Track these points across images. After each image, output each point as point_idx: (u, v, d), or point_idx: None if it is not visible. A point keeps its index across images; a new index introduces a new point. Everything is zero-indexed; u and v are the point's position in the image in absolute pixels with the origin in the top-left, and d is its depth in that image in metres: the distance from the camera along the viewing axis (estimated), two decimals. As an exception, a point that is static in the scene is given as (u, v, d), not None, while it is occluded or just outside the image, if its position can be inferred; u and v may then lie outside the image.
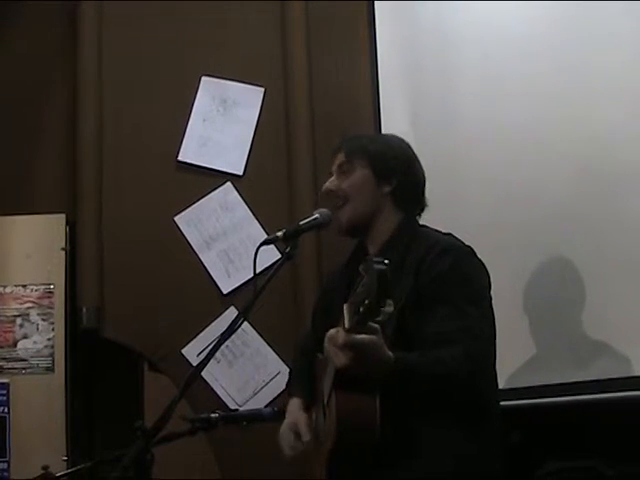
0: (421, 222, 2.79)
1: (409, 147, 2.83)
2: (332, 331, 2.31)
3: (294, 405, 2.83)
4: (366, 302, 2.11)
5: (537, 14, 3.52)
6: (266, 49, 4.41)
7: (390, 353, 2.31)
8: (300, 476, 3.77)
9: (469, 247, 2.64)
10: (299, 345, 3.14)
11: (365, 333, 2.24)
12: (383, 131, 4.18)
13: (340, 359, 2.27)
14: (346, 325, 2.23)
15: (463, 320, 2.46)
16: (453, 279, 2.52)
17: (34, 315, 4.05)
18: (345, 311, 2.25)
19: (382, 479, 2.42)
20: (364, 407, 2.32)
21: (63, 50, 4.40)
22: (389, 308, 2.11)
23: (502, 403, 2.65)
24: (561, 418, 3.31)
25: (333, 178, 2.77)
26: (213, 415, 2.60)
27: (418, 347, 2.44)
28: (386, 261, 2.10)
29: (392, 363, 2.31)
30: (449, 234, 2.67)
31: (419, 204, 2.79)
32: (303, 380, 2.88)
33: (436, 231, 2.72)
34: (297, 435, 2.72)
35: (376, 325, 2.24)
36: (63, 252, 4.12)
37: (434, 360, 2.40)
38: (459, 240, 2.65)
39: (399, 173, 2.73)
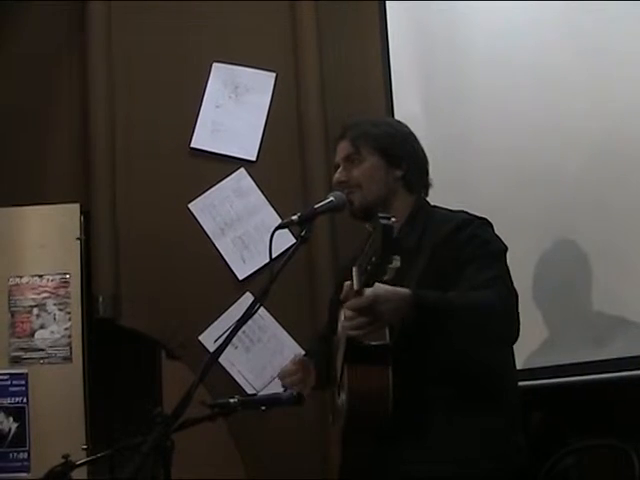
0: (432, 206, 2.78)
1: (407, 127, 2.82)
2: (343, 295, 2.28)
3: None
4: (373, 260, 2.09)
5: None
6: (277, 34, 4.40)
7: (406, 290, 2.29)
8: (320, 458, 3.78)
9: (484, 219, 2.62)
10: (318, 334, 3.13)
11: None
12: (395, 115, 4.17)
13: (356, 324, 2.24)
14: (355, 287, 2.21)
15: (491, 271, 2.45)
16: (474, 244, 2.51)
17: (51, 305, 4.06)
18: (354, 273, 2.23)
19: (394, 458, 2.41)
20: (375, 379, 2.29)
21: (73, 39, 4.41)
22: (396, 263, 2.08)
23: (520, 383, 2.65)
24: (580, 397, 3.31)
25: (341, 169, 2.74)
26: (232, 400, 2.60)
27: None
28: (393, 219, 2.07)
29: (409, 297, 2.28)
30: (462, 211, 2.65)
31: (427, 184, 2.78)
32: (316, 360, 2.86)
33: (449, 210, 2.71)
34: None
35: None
36: (78, 241, 4.13)
37: (457, 296, 2.38)
38: (473, 214, 2.63)
39: (408, 156, 2.72)
